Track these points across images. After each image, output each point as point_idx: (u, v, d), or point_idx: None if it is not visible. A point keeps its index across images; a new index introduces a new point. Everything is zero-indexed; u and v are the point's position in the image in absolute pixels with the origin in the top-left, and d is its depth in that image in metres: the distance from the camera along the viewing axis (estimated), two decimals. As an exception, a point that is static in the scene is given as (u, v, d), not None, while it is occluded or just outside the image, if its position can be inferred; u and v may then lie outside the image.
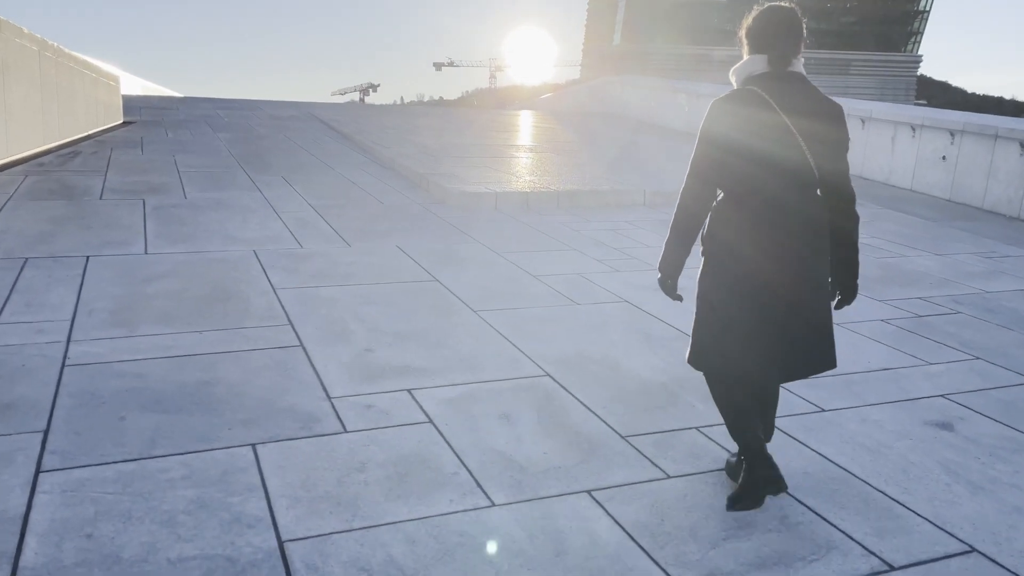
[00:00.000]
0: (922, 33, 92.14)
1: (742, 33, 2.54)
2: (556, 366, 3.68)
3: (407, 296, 4.70)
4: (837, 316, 2.60)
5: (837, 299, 2.57)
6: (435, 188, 8.25)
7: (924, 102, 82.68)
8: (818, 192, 2.45)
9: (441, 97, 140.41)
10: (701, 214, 2.49)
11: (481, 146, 12.39)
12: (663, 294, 2.59)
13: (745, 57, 2.51)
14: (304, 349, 3.72)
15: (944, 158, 10.63)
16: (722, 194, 2.49)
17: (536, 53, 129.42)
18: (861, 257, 2.61)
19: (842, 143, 2.44)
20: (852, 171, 2.54)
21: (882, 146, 11.75)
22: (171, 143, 11.31)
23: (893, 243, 7.20)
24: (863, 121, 11.97)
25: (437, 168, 9.38)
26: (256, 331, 3.93)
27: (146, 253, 5.38)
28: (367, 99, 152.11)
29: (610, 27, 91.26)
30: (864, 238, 4.34)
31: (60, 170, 8.42)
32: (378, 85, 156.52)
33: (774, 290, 2.40)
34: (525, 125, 18.22)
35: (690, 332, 2.59)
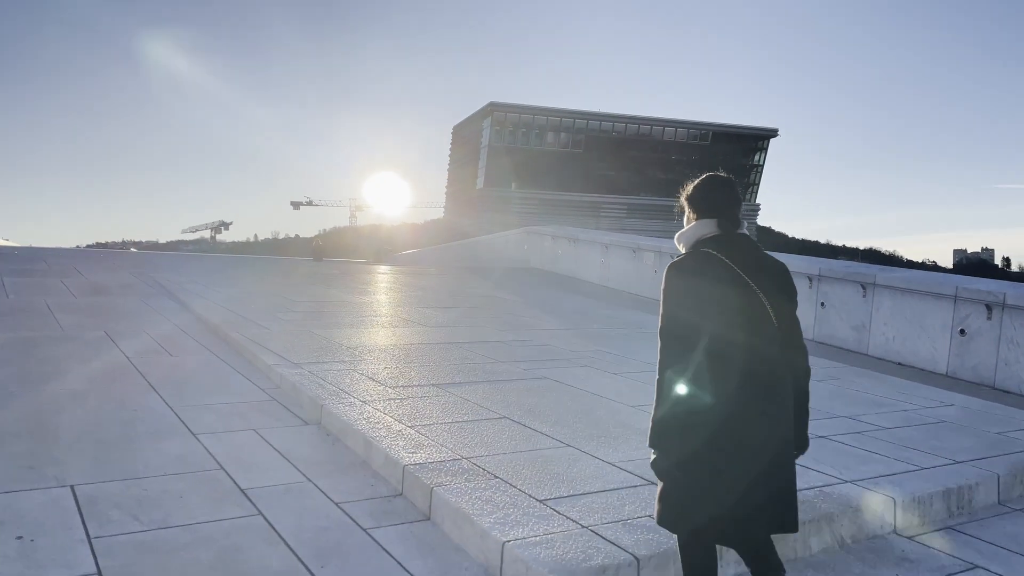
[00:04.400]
0: (758, 184, 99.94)
1: (684, 200, 2.69)
2: None
3: None
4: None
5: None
6: (447, 519, 3.43)
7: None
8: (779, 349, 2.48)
9: (297, 235, 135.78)
10: (686, 368, 2.44)
11: (454, 349, 7.63)
12: None
13: (691, 222, 2.64)
14: None
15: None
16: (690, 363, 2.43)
17: (394, 193, 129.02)
18: None
19: (795, 298, 2.56)
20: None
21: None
22: None
23: None
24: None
25: (427, 435, 4.54)
26: None
27: None
28: (219, 236, 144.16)
29: (473, 172, 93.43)
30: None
31: None
32: (230, 223, 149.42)
33: (759, 444, 2.41)
34: (461, 291, 13.70)
35: None
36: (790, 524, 2.50)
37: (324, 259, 26.92)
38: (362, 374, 6.26)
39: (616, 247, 16.30)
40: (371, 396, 5.54)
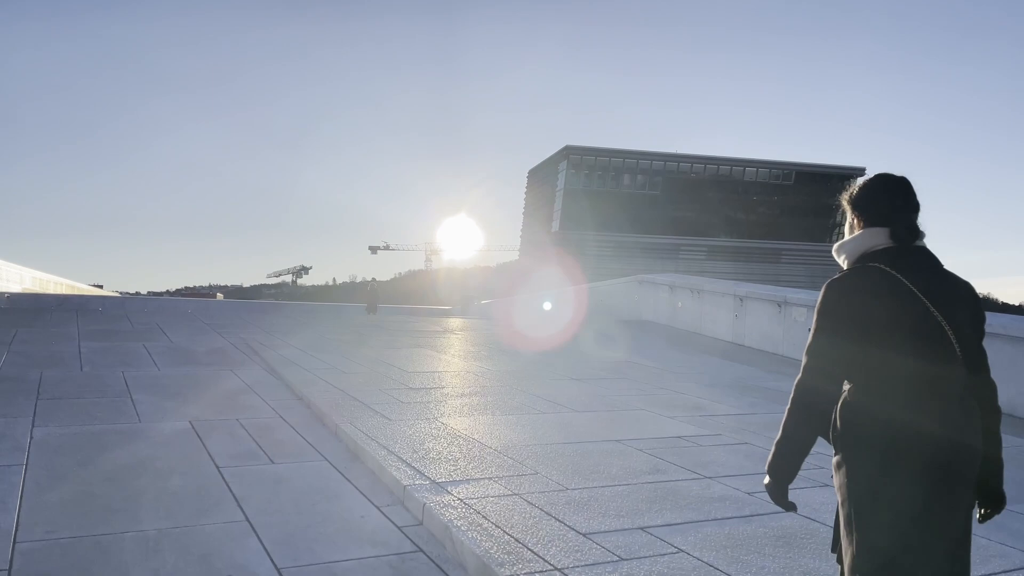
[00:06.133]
0: (843, 225, 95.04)
1: (847, 203, 2.26)
2: None
3: None
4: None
5: (981, 511, 2.15)
6: None
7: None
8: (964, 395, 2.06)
9: (374, 278, 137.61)
10: (831, 395, 2.10)
11: (629, 451, 5.71)
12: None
13: (855, 231, 2.22)
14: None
15: None
16: (850, 386, 2.11)
17: (467, 237, 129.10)
18: None
19: (982, 325, 2.13)
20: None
21: None
22: None
23: None
24: None
25: None
26: None
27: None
28: (300, 281, 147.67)
29: (548, 215, 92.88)
30: None
31: None
32: (310, 267, 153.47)
33: (953, 465, 1.99)
34: (582, 352, 11.82)
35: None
36: None
37: (379, 307, 24.17)
38: (534, 504, 4.44)
39: (754, 300, 14.20)
40: (564, 555, 3.70)
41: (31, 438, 5.60)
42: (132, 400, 7.10)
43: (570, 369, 10.34)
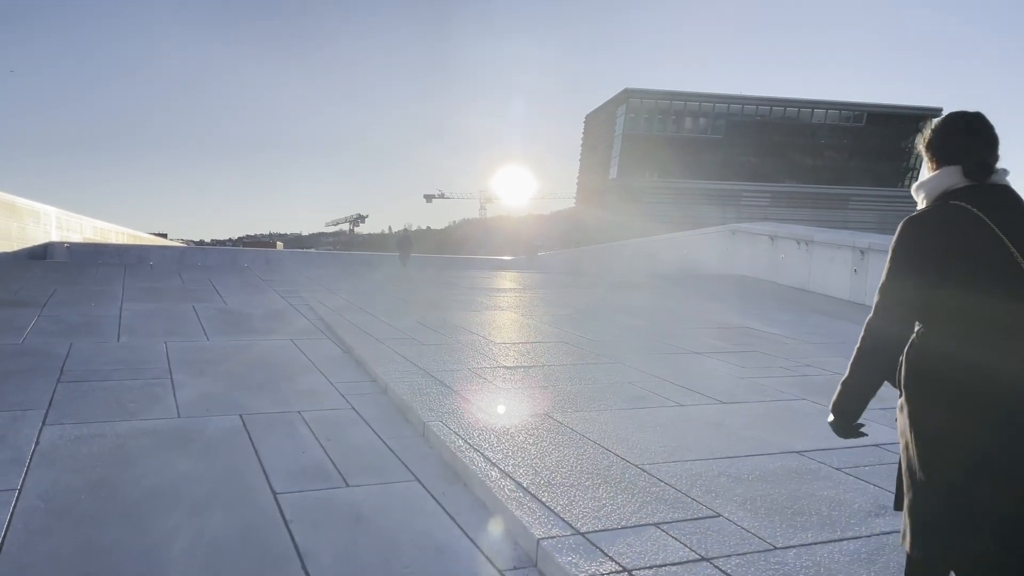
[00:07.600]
0: (917, 169, 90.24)
1: (922, 147, 2.17)
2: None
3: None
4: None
5: None
6: None
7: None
8: None
9: (428, 227, 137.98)
10: (901, 337, 2.03)
11: (833, 473, 4.18)
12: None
13: (933, 171, 2.12)
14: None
15: None
16: (922, 328, 2.00)
17: (520, 184, 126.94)
18: None
19: None
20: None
21: None
22: None
23: None
24: None
25: None
26: None
27: None
28: (356, 229, 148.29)
29: (605, 161, 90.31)
30: None
31: None
32: (366, 216, 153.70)
33: None
34: (689, 317, 10.17)
35: None
36: None
37: (418, 257, 22.66)
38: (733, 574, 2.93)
39: (880, 253, 12.26)
40: None
41: (36, 444, 4.32)
42: (172, 382, 5.81)
43: (681, 338, 8.74)
